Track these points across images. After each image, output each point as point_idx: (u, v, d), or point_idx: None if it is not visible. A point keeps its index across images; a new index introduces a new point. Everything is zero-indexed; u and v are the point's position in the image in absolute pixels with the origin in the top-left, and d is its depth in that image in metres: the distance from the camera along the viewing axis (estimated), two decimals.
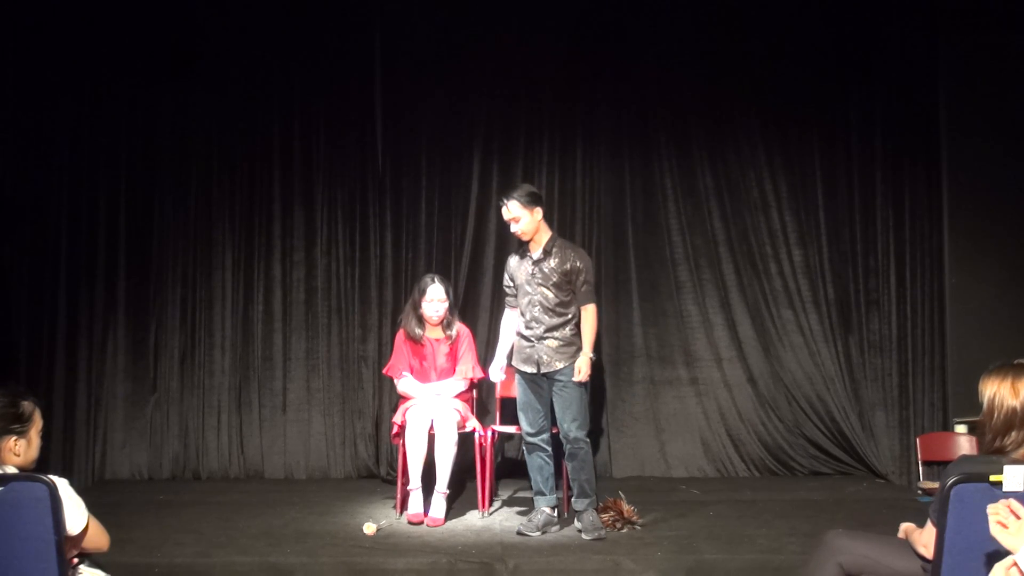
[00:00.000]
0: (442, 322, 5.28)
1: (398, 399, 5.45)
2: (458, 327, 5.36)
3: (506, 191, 4.98)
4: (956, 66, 6.07)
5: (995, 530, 2.37)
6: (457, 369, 5.32)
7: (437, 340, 5.32)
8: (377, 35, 6.18)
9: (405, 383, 5.31)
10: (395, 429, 5.17)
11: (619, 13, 6.17)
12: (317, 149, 6.23)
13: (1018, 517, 2.36)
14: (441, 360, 5.31)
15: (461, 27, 6.14)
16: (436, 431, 5.05)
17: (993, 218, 6.05)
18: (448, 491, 5.11)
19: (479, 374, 5.34)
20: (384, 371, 5.53)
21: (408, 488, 5.08)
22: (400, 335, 5.37)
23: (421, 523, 4.95)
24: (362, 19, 6.17)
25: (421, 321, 5.29)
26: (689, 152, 6.26)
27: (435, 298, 5.23)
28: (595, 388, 4.98)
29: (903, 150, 6.18)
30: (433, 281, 5.25)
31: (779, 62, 6.18)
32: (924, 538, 2.94)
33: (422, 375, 5.32)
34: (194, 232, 6.22)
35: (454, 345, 5.32)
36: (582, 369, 4.76)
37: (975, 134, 6.04)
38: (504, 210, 4.86)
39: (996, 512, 2.38)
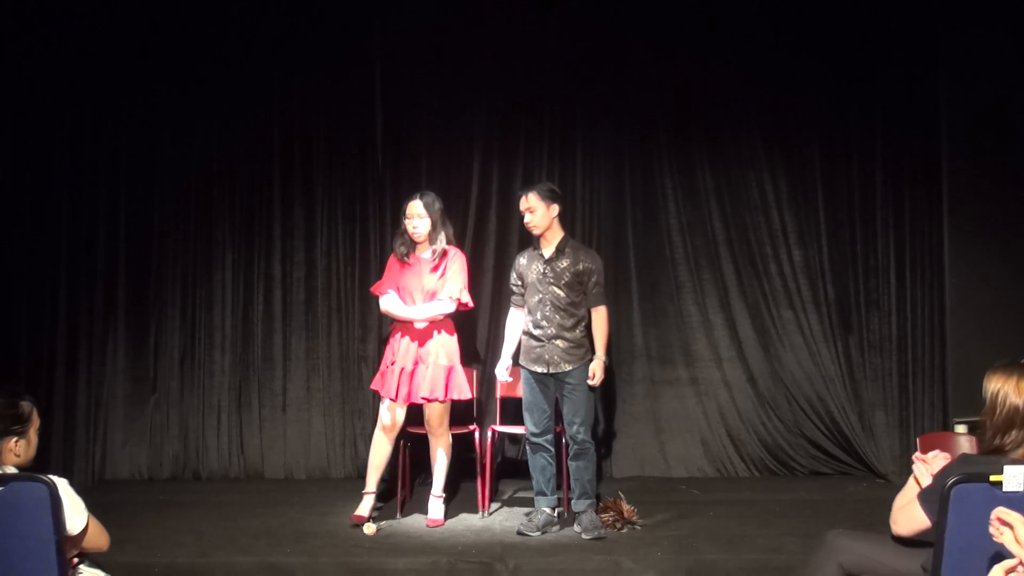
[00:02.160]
0: (426, 240, 5.04)
1: (387, 336, 5.25)
2: (444, 246, 5.05)
3: (525, 186, 5.08)
4: (956, 66, 6.07)
5: (1006, 542, 2.38)
6: (443, 290, 4.99)
7: (424, 259, 5.05)
8: (377, 35, 6.18)
9: (388, 299, 5.04)
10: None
11: (619, 13, 6.17)
12: (317, 149, 6.23)
13: (1010, 525, 2.37)
14: (428, 281, 5.00)
15: (461, 27, 6.14)
16: (430, 432, 5.00)
17: (993, 218, 6.05)
18: (444, 494, 5.11)
19: (467, 299, 5.08)
20: (371, 289, 5.30)
21: (364, 492, 5.04)
22: (392, 257, 5.15)
23: (362, 524, 4.87)
24: (362, 20, 6.17)
25: (408, 240, 5.05)
26: (689, 152, 6.25)
27: (414, 214, 4.96)
28: (599, 388, 4.97)
29: (903, 150, 6.18)
30: (415, 197, 5.02)
31: (779, 62, 6.18)
32: (904, 512, 2.93)
33: (407, 298, 5.03)
34: (194, 232, 6.22)
35: (441, 265, 5.04)
36: (596, 373, 4.76)
37: (975, 134, 6.04)
38: (522, 200, 4.88)
39: (998, 530, 2.40)
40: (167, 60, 6.12)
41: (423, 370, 4.93)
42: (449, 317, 5.05)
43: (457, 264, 5.06)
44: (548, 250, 4.88)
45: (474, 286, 6.12)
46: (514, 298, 5.05)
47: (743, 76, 6.20)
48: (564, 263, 4.83)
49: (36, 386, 5.62)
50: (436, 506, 5.04)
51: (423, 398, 4.91)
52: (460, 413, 5.84)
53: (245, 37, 6.17)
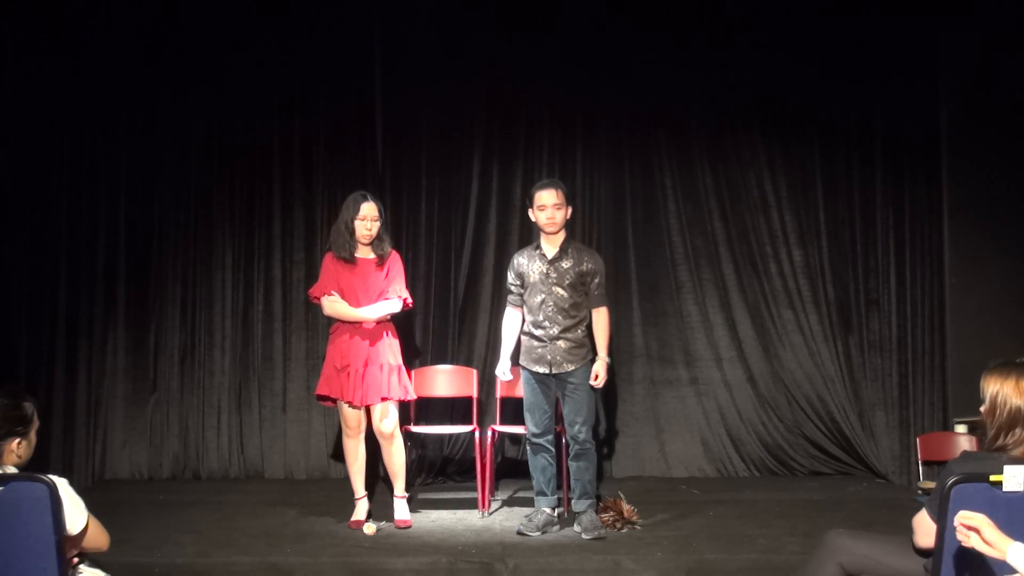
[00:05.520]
0: (372, 242, 4.97)
1: (328, 334, 5.08)
2: (389, 248, 5.04)
3: (551, 180, 4.98)
4: (956, 66, 6.07)
5: (976, 546, 2.43)
6: (390, 290, 4.95)
7: (369, 260, 4.98)
8: (377, 35, 6.18)
9: (334, 301, 4.89)
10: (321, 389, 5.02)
11: (619, 13, 6.17)
12: (317, 149, 6.23)
13: (976, 529, 2.41)
14: (373, 281, 4.94)
15: (461, 27, 6.14)
16: (381, 435, 4.92)
17: (993, 218, 6.05)
18: (408, 493, 5.10)
19: (410, 299, 5.06)
20: (310, 292, 5.10)
21: (355, 498, 5.04)
22: (328, 258, 4.99)
23: (361, 527, 4.88)
24: (362, 19, 6.16)
25: (353, 239, 4.93)
26: (689, 152, 6.26)
27: (368, 216, 4.88)
28: (600, 388, 4.97)
29: (903, 150, 6.19)
30: (366, 198, 4.92)
31: (779, 62, 6.19)
32: (916, 523, 2.95)
33: (352, 299, 4.90)
34: (194, 232, 6.21)
35: (386, 266, 4.98)
36: (599, 374, 4.76)
37: (975, 134, 6.05)
38: (552, 193, 4.79)
39: (966, 535, 2.44)
40: (167, 60, 6.11)
41: (375, 371, 4.86)
42: (392, 318, 5.02)
43: (399, 264, 5.06)
44: (551, 250, 4.86)
45: (474, 286, 6.18)
46: (511, 298, 5.03)
47: (743, 76, 6.21)
48: (567, 263, 4.82)
49: (36, 386, 5.62)
50: (402, 507, 5.02)
51: (382, 398, 4.85)
52: (462, 411, 5.86)
53: (245, 37, 6.16)
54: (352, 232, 4.92)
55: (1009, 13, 5.85)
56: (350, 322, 4.90)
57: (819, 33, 6.17)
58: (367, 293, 4.93)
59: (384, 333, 4.94)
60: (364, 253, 4.98)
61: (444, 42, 6.16)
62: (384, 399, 4.86)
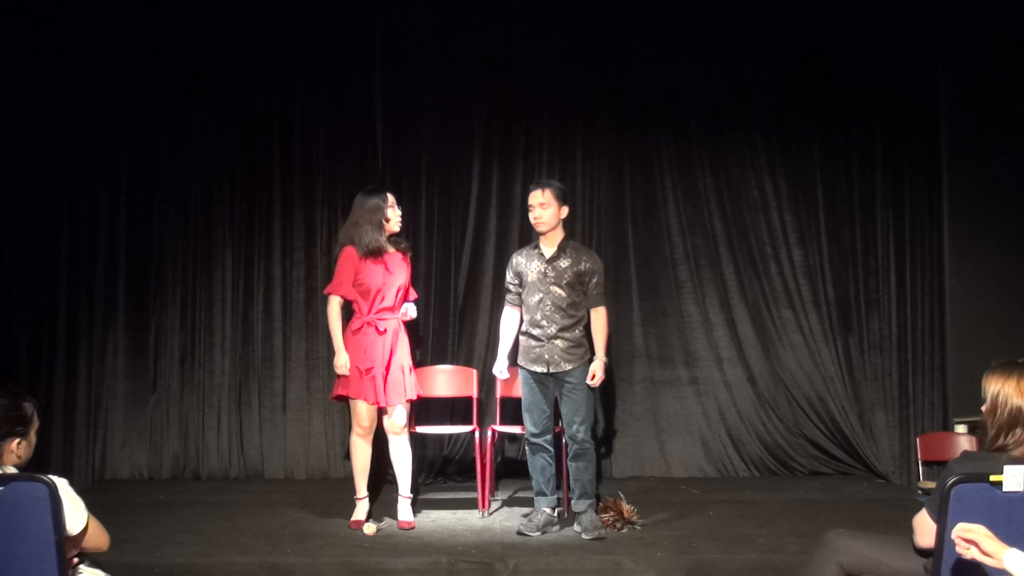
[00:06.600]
0: (394, 235, 4.98)
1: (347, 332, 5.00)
2: (406, 243, 5.08)
3: (542, 180, 5.00)
4: (956, 66, 6.08)
5: (976, 558, 2.42)
6: (411, 300, 5.02)
7: (392, 254, 4.94)
8: (377, 35, 6.18)
9: (335, 312, 4.91)
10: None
11: (619, 13, 6.17)
12: (317, 149, 6.23)
13: (975, 543, 2.40)
14: (396, 276, 4.91)
15: (461, 27, 6.14)
16: (389, 434, 4.95)
17: (993, 218, 6.06)
18: (412, 495, 5.10)
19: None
20: (325, 290, 5.00)
21: (356, 497, 5.04)
22: (350, 253, 4.88)
23: (360, 527, 4.87)
24: (362, 19, 6.17)
25: (382, 232, 4.89)
26: (689, 152, 6.26)
27: (395, 203, 4.96)
28: (599, 388, 4.98)
29: (903, 150, 6.19)
30: (387, 189, 5.02)
31: (779, 62, 6.19)
32: (916, 523, 2.95)
33: (376, 295, 4.85)
34: (194, 232, 6.21)
35: (408, 259, 5.02)
36: (596, 374, 4.76)
37: (975, 134, 6.06)
38: (537, 194, 4.82)
39: (966, 548, 2.43)
40: (167, 60, 6.12)
41: (396, 372, 4.87)
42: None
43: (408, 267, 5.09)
44: (549, 250, 4.87)
45: (474, 286, 6.18)
46: (509, 296, 5.04)
47: (743, 76, 6.21)
48: (565, 263, 4.83)
49: (36, 386, 5.61)
50: (406, 507, 5.02)
51: (408, 400, 4.90)
52: (462, 411, 5.87)
53: (245, 37, 6.17)
54: (383, 223, 4.88)
55: (1009, 13, 5.86)
56: (370, 321, 4.87)
57: (819, 33, 6.17)
58: (389, 288, 4.91)
59: (400, 332, 4.98)
60: (387, 247, 4.95)
61: (444, 42, 6.16)
62: (408, 400, 4.92)
